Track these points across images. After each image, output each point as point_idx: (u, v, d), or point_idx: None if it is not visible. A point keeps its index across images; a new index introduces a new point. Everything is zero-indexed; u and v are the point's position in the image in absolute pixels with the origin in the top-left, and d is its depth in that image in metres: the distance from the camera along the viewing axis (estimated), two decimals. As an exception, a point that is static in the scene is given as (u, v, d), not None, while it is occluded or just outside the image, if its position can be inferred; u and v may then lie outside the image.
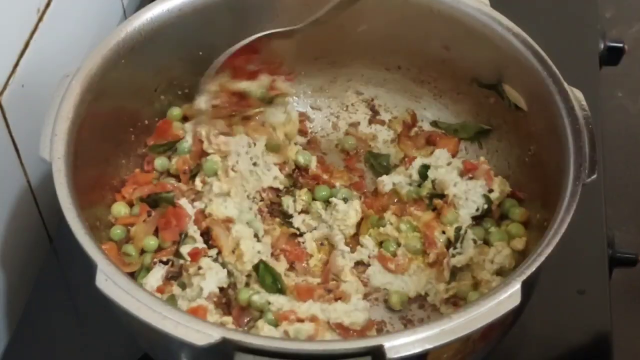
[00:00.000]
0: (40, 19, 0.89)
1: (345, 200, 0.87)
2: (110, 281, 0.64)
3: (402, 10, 0.87)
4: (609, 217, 0.94)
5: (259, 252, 0.81)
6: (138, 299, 0.63)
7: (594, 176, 0.71)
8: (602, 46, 1.10)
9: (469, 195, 0.84)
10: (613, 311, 0.85)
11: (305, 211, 0.88)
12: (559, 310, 0.86)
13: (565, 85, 0.77)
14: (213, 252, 0.81)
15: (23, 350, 0.84)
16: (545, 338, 0.84)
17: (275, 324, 0.75)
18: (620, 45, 1.11)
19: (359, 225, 0.87)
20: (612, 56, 1.11)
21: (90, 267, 0.67)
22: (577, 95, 0.77)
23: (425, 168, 0.87)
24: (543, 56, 0.79)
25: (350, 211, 0.86)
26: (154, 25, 0.84)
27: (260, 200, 0.87)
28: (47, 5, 0.90)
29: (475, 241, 0.82)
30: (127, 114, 0.87)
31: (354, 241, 0.86)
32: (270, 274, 0.80)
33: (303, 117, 0.96)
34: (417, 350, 0.61)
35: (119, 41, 0.82)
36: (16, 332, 0.86)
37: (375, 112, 0.96)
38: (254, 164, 0.87)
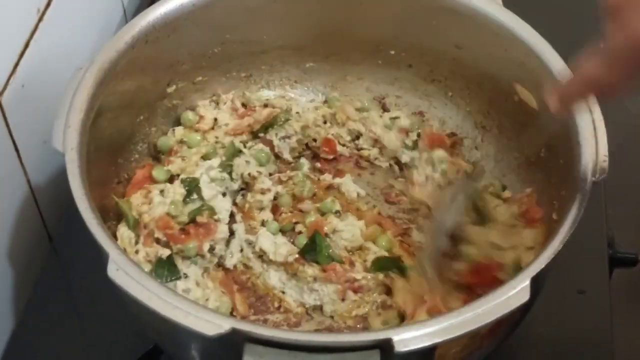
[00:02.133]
0: (40, 19, 0.89)
1: (337, 214, 0.87)
2: (121, 271, 0.65)
3: (414, 8, 0.87)
4: (609, 217, 0.94)
5: None
6: (149, 288, 0.63)
7: (605, 175, 0.71)
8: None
9: None
10: (613, 311, 0.85)
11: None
12: (559, 310, 0.86)
13: None
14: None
15: (24, 348, 0.84)
16: (545, 338, 0.84)
17: None
18: (621, 45, 1.11)
19: None
20: (612, 56, 1.11)
21: (91, 264, 0.67)
22: None
23: None
24: (555, 55, 0.79)
25: (354, 230, 0.85)
26: (168, 20, 0.84)
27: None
28: (47, 5, 0.90)
29: None
30: (140, 107, 0.87)
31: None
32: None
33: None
34: (425, 344, 0.61)
35: (133, 35, 0.82)
36: (17, 331, 0.86)
37: (386, 110, 0.96)
38: None
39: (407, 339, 0.61)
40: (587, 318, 0.85)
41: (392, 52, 0.93)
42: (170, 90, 0.90)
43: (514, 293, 0.64)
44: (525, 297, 0.64)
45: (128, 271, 0.65)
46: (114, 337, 0.83)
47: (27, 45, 0.87)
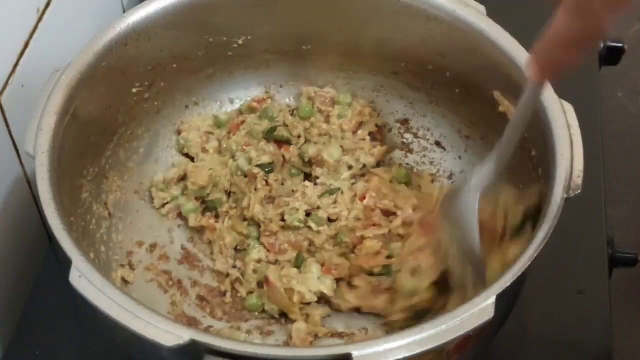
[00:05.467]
0: (40, 19, 0.89)
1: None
2: (83, 278, 0.64)
3: (399, 16, 0.87)
4: (609, 217, 0.94)
5: None
6: (110, 297, 0.63)
7: (578, 192, 0.70)
8: (602, 46, 1.10)
9: None
10: (613, 311, 0.85)
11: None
12: (559, 310, 0.86)
13: (556, 98, 0.76)
14: None
15: (24, 348, 0.84)
16: (545, 338, 0.84)
17: None
18: (620, 45, 1.11)
19: None
20: (612, 56, 1.11)
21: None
22: (567, 110, 0.76)
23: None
24: None
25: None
26: (149, 23, 0.84)
27: None
28: (47, 5, 0.91)
29: None
30: (119, 110, 0.86)
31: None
32: None
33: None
34: None
35: (112, 38, 0.81)
36: (16, 332, 0.86)
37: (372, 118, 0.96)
38: None
39: (367, 354, 0.60)
40: (587, 318, 0.85)
41: (378, 59, 0.93)
42: (152, 93, 0.89)
43: (478, 310, 0.62)
44: (490, 314, 0.62)
45: (90, 278, 0.64)
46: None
47: (27, 45, 0.87)
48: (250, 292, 0.83)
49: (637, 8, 0.58)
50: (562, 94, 0.77)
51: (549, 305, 0.86)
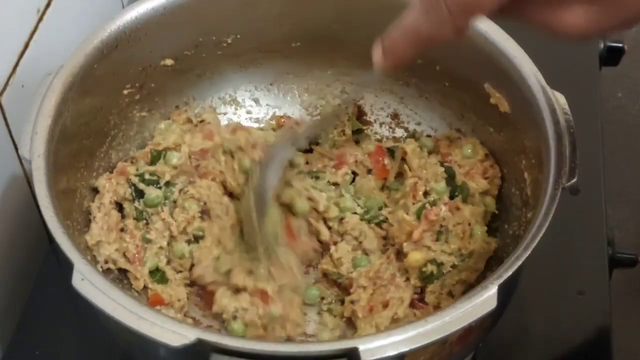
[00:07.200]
0: (40, 19, 0.89)
1: None
2: (86, 281, 0.64)
3: (387, 10, 0.87)
4: (609, 217, 0.94)
5: None
6: (114, 299, 0.63)
7: (574, 180, 0.70)
8: (602, 46, 1.11)
9: None
10: (613, 311, 0.85)
11: None
12: (559, 310, 0.86)
13: (548, 88, 0.76)
14: None
15: (23, 349, 0.84)
16: (545, 338, 0.84)
17: None
18: (620, 45, 1.11)
19: None
20: (612, 56, 1.11)
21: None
22: (559, 99, 0.76)
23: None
24: (526, 58, 0.79)
25: None
26: (139, 24, 0.83)
27: None
28: (47, 5, 0.91)
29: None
30: (111, 112, 0.86)
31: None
32: None
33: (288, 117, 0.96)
34: (392, 353, 0.60)
35: (102, 39, 0.81)
36: (16, 332, 0.86)
37: (362, 113, 0.96)
38: None
39: (373, 347, 0.60)
40: (587, 318, 0.85)
41: (366, 55, 0.92)
42: (142, 94, 0.89)
43: (481, 300, 0.63)
44: (492, 304, 0.63)
45: (93, 281, 0.64)
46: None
47: (27, 46, 0.87)
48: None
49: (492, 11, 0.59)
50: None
51: (549, 305, 0.86)
